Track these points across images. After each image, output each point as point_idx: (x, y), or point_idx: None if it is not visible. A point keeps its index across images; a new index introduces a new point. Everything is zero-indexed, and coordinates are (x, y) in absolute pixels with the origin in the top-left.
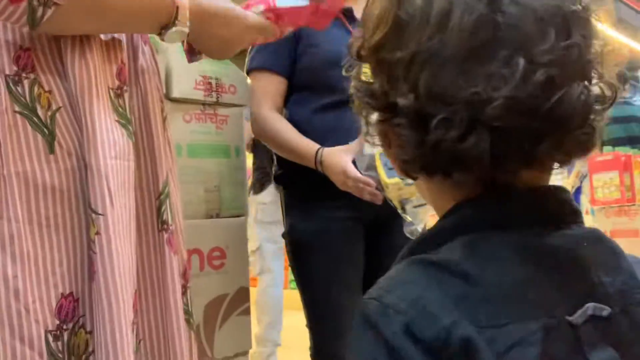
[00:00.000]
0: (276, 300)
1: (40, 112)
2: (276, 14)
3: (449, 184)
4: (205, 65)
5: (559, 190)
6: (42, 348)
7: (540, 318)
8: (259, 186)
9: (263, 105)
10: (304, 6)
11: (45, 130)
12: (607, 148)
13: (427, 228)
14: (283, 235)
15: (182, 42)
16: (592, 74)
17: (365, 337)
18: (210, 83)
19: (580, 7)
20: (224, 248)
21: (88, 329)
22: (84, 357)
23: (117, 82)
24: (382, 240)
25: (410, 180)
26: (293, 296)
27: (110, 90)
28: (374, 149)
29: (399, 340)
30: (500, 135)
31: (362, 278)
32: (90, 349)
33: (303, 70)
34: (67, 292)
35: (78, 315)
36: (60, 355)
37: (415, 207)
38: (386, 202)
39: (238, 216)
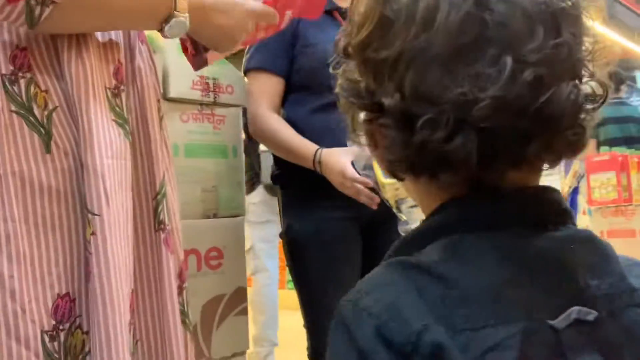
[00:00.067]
0: (271, 300)
1: (36, 111)
2: None
3: (435, 185)
4: None
5: (548, 190)
6: (39, 348)
7: (519, 321)
8: (249, 186)
9: (261, 105)
10: None
11: (41, 129)
12: (604, 148)
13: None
14: (280, 235)
15: (184, 49)
16: (583, 73)
17: (339, 339)
18: (207, 83)
19: (570, 4)
20: (221, 248)
21: (85, 329)
22: (80, 357)
23: (114, 82)
24: (379, 240)
25: None
26: (290, 296)
27: (107, 90)
28: None
29: (370, 343)
30: (487, 136)
31: (359, 278)
32: (86, 350)
33: (300, 71)
34: (64, 292)
35: (75, 315)
36: (56, 355)
37: (410, 207)
38: (383, 203)
39: (235, 216)
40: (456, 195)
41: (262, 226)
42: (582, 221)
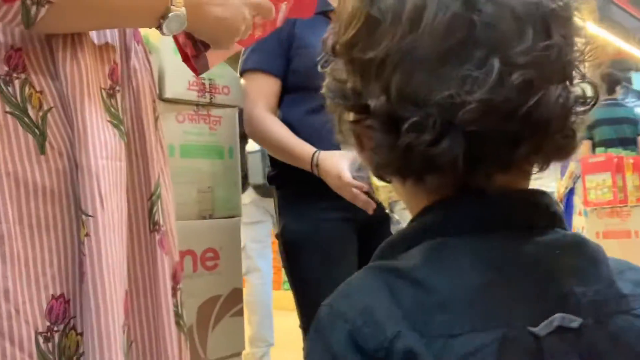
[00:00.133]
0: (264, 300)
1: (31, 112)
2: None
3: (422, 187)
4: None
5: (537, 194)
6: (33, 349)
7: (497, 328)
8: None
9: (257, 105)
10: None
11: (36, 130)
12: (599, 149)
13: None
14: (276, 236)
15: (184, 57)
16: (574, 74)
17: (314, 343)
18: (203, 84)
19: (560, 6)
20: (217, 249)
21: (79, 330)
22: (74, 358)
23: (109, 82)
24: (374, 241)
25: None
26: (287, 297)
27: (102, 91)
28: None
29: (342, 348)
30: (475, 139)
31: None
32: (80, 351)
33: (296, 72)
34: (58, 293)
35: (69, 316)
36: (50, 356)
37: (404, 208)
38: (379, 205)
39: (231, 217)
40: (442, 198)
41: (253, 226)
42: (578, 222)
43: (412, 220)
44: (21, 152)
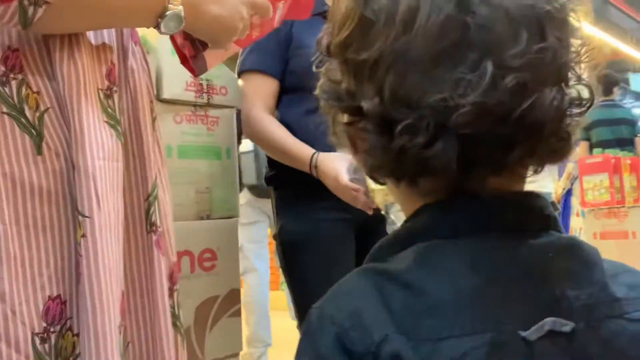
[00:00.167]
0: (261, 300)
1: (28, 113)
2: None
3: (416, 190)
4: None
5: (531, 196)
6: (29, 351)
7: (487, 332)
8: None
9: (255, 106)
10: None
11: (33, 131)
12: (597, 150)
13: None
14: (274, 236)
15: (182, 59)
16: (570, 76)
17: (304, 345)
18: (201, 84)
19: (555, 7)
20: (214, 250)
21: (75, 331)
22: (71, 359)
23: (106, 83)
24: (372, 241)
25: None
26: (285, 297)
27: (100, 91)
28: None
29: (329, 351)
30: (468, 142)
31: None
32: (77, 352)
33: (293, 72)
34: (55, 294)
35: (65, 317)
36: (47, 357)
37: (399, 210)
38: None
39: (229, 217)
40: (436, 200)
41: (249, 227)
42: (576, 223)
43: (405, 222)
44: (18, 152)
